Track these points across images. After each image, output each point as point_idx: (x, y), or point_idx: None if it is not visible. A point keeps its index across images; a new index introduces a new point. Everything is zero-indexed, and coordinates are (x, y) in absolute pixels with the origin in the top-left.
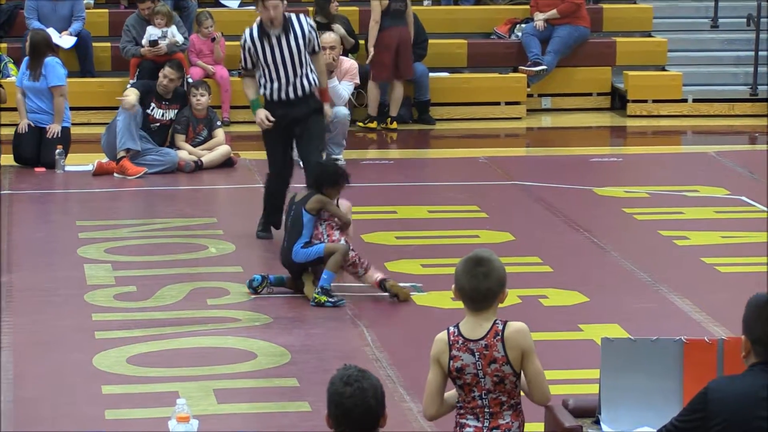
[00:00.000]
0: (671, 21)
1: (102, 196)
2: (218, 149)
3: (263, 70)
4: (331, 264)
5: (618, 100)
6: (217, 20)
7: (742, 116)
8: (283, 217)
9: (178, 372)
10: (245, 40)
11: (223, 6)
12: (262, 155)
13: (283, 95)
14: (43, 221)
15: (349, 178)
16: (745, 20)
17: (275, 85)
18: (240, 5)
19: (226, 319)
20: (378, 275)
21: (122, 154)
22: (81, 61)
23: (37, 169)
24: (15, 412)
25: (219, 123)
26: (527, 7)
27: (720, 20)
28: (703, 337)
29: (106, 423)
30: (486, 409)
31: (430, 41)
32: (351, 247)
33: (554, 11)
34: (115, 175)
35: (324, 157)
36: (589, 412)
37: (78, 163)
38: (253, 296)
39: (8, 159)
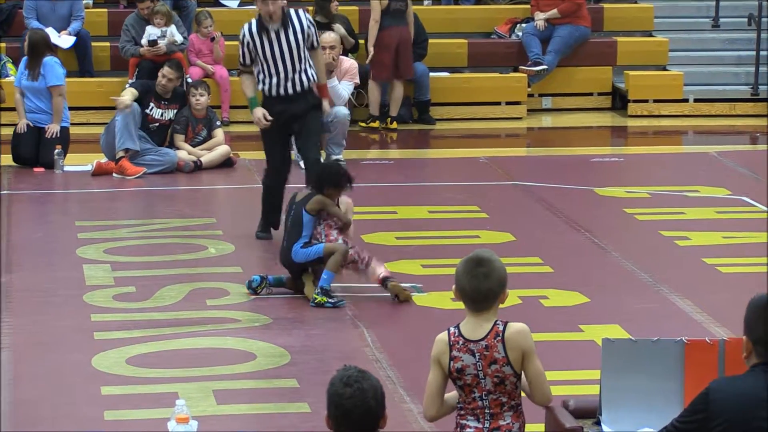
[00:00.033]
0: (672, 21)
1: (101, 196)
2: (217, 149)
3: (262, 65)
4: (331, 264)
5: (619, 100)
6: (216, 20)
7: (743, 116)
8: (283, 217)
9: (177, 373)
10: (244, 35)
11: (223, 5)
12: (262, 155)
13: (281, 90)
14: (42, 221)
15: (353, 180)
16: (746, 20)
17: (274, 80)
18: (239, 5)
19: (225, 320)
20: (381, 270)
21: (121, 154)
22: (80, 61)
23: (36, 169)
24: (14, 413)
25: (218, 123)
26: (528, 6)
27: (721, 20)
28: (704, 338)
29: (105, 424)
30: (486, 410)
31: (431, 41)
32: (351, 245)
33: (555, 11)
34: (114, 175)
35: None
36: (589, 412)
37: (77, 163)
38: (253, 297)
39: (7, 159)
